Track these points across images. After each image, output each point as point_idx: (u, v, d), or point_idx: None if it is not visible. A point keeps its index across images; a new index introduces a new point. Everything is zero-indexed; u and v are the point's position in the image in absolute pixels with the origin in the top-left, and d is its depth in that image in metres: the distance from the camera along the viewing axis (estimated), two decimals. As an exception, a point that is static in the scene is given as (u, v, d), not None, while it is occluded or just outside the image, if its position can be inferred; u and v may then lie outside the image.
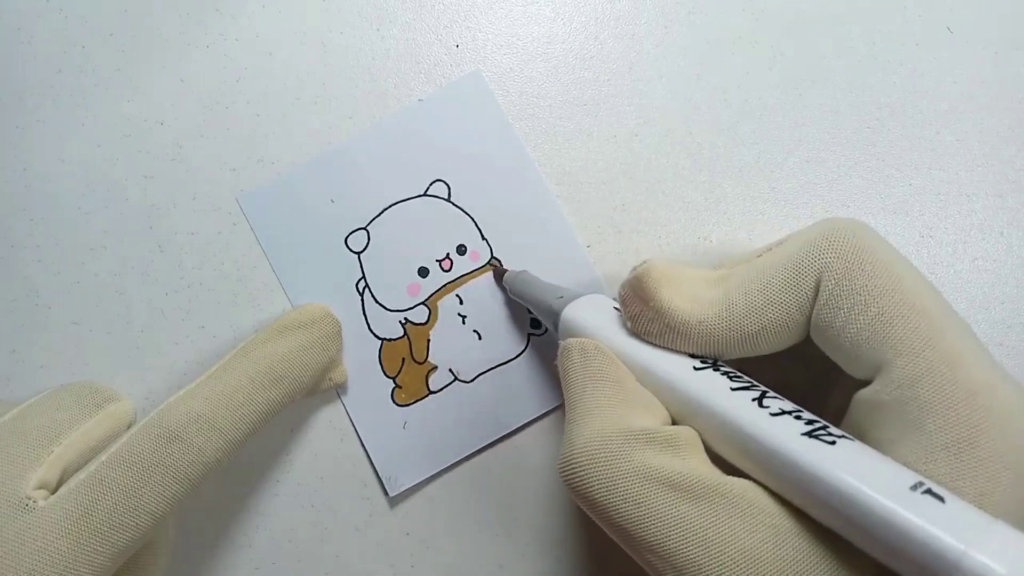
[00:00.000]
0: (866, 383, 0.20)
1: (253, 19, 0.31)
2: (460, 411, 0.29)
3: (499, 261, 0.30)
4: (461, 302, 0.30)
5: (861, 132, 0.31)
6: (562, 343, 0.23)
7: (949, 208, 0.31)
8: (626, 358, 0.22)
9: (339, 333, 0.29)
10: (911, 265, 0.21)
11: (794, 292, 0.21)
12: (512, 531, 0.29)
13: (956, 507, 0.16)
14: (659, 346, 0.22)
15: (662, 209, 0.31)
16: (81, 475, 0.22)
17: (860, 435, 0.19)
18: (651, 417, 0.20)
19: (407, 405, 0.29)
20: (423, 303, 0.30)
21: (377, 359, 0.30)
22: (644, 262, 0.23)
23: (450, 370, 0.30)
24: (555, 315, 0.25)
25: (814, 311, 0.20)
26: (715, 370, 0.21)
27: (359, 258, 0.30)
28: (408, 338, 0.30)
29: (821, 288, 0.20)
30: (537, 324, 0.30)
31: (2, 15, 0.31)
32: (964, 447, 0.17)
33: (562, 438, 0.21)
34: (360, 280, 0.30)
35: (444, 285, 0.30)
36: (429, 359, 0.30)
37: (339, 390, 0.29)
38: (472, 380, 0.30)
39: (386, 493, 0.29)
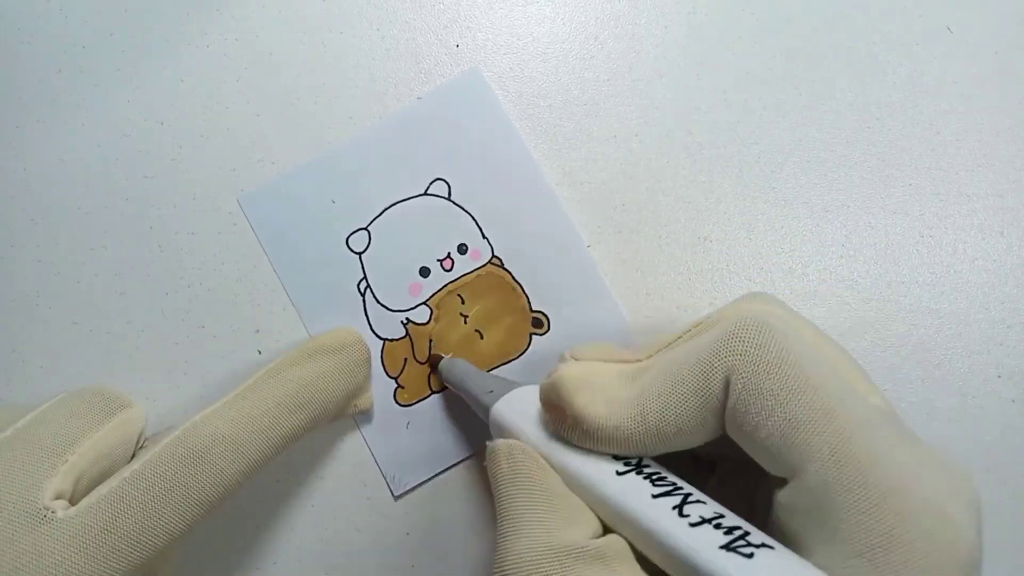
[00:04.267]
0: (784, 481, 0.19)
1: (253, 19, 0.31)
2: (463, 411, 0.29)
3: (500, 261, 0.30)
4: (463, 301, 0.30)
5: (861, 132, 0.31)
6: (489, 444, 0.23)
7: (949, 208, 0.31)
8: (552, 461, 0.22)
9: (368, 360, 0.29)
10: (824, 348, 0.21)
11: (703, 395, 0.20)
12: (513, 531, 0.29)
13: None
14: (582, 448, 0.21)
15: (662, 209, 0.31)
16: (103, 490, 0.22)
17: (784, 533, 0.19)
18: (580, 527, 0.20)
19: (410, 405, 0.29)
20: (424, 303, 0.30)
21: (379, 359, 0.30)
22: (558, 369, 0.22)
23: (451, 370, 0.30)
24: (485, 410, 0.25)
25: (725, 411, 0.20)
26: (638, 473, 0.21)
27: (360, 258, 0.30)
28: (410, 338, 0.30)
29: (730, 390, 0.20)
30: (539, 323, 0.30)
31: (2, 15, 0.31)
32: (878, 553, 0.17)
33: (493, 550, 0.20)
34: (361, 280, 0.30)
35: (445, 284, 0.30)
36: (431, 359, 0.30)
37: (357, 418, 0.30)
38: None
39: (391, 493, 0.29)
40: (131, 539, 0.22)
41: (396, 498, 0.29)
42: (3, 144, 0.31)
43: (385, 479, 0.29)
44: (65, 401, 0.25)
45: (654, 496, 0.20)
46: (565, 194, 0.31)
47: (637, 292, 0.30)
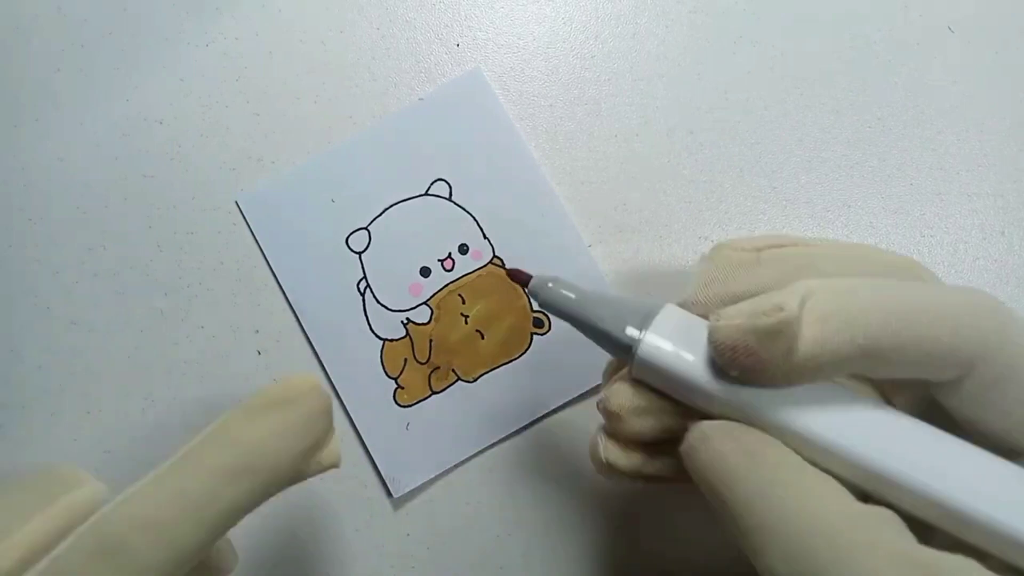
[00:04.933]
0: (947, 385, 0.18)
1: (253, 19, 0.31)
2: (463, 411, 0.29)
3: (501, 261, 0.30)
4: (463, 301, 0.30)
5: (861, 132, 0.31)
6: (696, 432, 0.18)
7: (950, 208, 0.31)
8: (774, 422, 0.18)
9: (328, 410, 0.23)
10: None
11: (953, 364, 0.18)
12: (512, 532, 0.29)
13: None
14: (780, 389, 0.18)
15: (663, 208, 0.31)
16: None
17: (967, 426, 0.18)
18: (848, 498, 0.17)
19: (409, 406, 0.29)
20: (425, 303, 0.30)
21: (379, 360, 0.30)
22: (781, 303, 0.17)
23: (453, 370, 0.30)
24: (622, 348, 0.20)
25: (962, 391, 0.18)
26: (884, 410, 0.18)
27: (360, 258, 0.30)
28: (410, 338, 0.30)
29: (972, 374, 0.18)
30: (540, 323, 0.30)
31: (2, 15, 0.31)
32: None
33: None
34: (361, 280, 0.30)
35: (446, 285, 0.30)
36: (431, 359, 0.30)
37: (331, 465, 0.24)
38: (475, 380, 0.30)
39: (389, 494, 0.29)
40: None
41: (393, 499, 0.29)
42: (2, 144, 0.31)
43: (382, 480, 0.29)
44: (13, 482, 0.22)
45: (922, 441, 0.18)
46: (565, 194, 0.31)
47: (637, 292, 0.30)
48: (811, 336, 0.17)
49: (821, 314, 0.17)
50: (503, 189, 0.30)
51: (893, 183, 0.31)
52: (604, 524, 0.29)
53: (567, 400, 0.29)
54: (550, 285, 0.22)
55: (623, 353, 0.20)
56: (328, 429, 0.23)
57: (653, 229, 0.31)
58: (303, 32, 0.31)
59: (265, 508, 0.29)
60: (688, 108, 0.31)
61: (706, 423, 0.18)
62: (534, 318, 0.30)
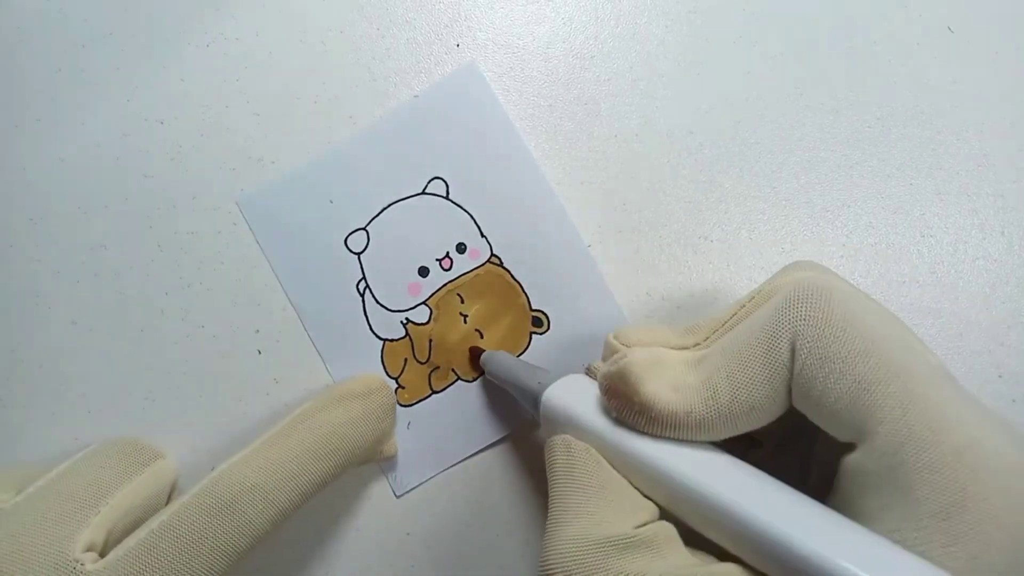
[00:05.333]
0: (850, 446, 0.19)
1: (253, 19, 0.31)
2: (463, 410, 0.29)
3: (499, 259, 0.30)
4: (462, 300, 0.30)
5: (861, 132, 0.31)
6: (549, 440, 0.23)
7: (950, 208, 0.31)
8: (611, 446, 0.22)
9: (394, 405, 0.28)
10: (884, 315, 0.21)
11: (773, 366, 0.20)
12: (513, 531, 0.29)
13: None
14: (645, 434, 0.21)
15: (663, 208, 0.31)
16: (131, 542, 0.22)
17: (850, 501, 0.19)
18: (634, 516, 0.20)
19: (410, 405, 0.29)
20: (424, 303, 0.30)
21: (379, 360, 0.30)
22: (623, 355, 0.22)
23: (453, 370, 0.30)
24: (534, 398, 0.25)
25: (792, 379, 0.20)
26: (703, 448, 0.21)
27: (359, 259, 0.30)
28: (410, 338, 0.30)
29: (796, 356, 0.20)
30: (539, 322, 0.30)
31: (2, 15, 0.31)
32: (953, 511, 0.17)
33: (541, 542, 0.20)
34: (360, 281, 0.30)
35: (445, 284, 0.30)
36: (431, 359, 0.30)
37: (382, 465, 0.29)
38: (475, 380, 0.30)
39: (389, 494, 0.29)
40: None
41: (398, 498, 0.29)
42: (2, 144, 0.31)
43: (386, 479, 0.29)
44: (97, 452, 0.26)
45: (724, 472, 0.20)
46: (565, 194, 0.31)
47: (637, 292, 0.30)
48: (653, 389, 0.21)
49: (672, 384, 0.21)
50: (500, 187, 0.30)
51: (893, 183, 0.31)
52: (604, 524, 0.29)
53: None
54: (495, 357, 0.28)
55: (534, 405, 0.25)
56: (393, 423, 0.28)
57: (653, 229, 0.31)
58: (303, 32, 0.31)
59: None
60: (688, 108, 0.31)
61: (557, 436, 0.23)
62: (533, 317, 0.30)
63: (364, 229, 0.30)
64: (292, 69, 0.31)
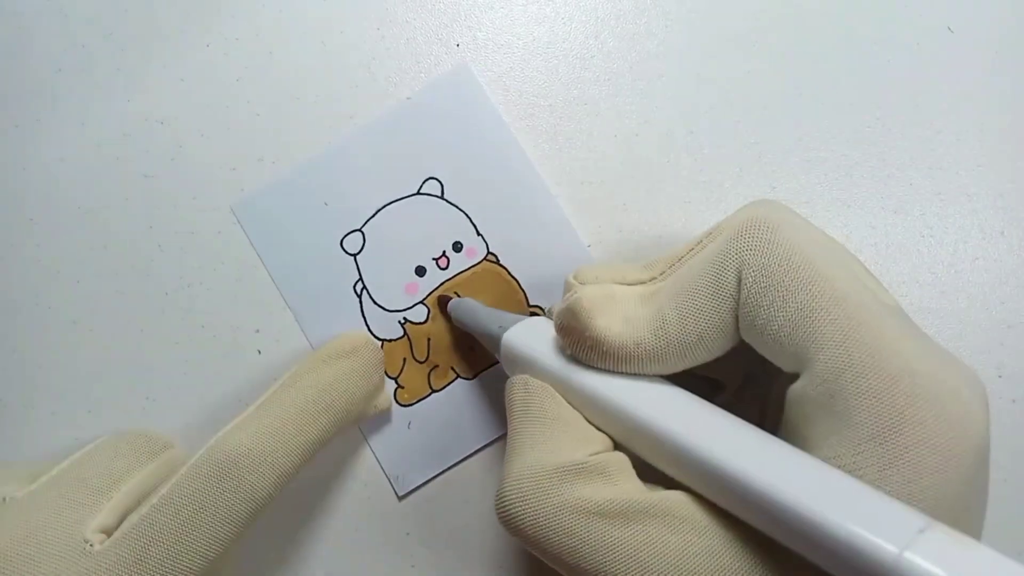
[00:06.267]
0: (794, 376, 0.20)
1: (253, 18, 0.31)
2: (463, 409, 0.29)
3: (495, 257, 0.30)
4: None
5: (861, 132, 0.31)
6: (509, 381, 0.23)
7: (949, 208, 0.31)
8: (567, 384, 0.22)
9: (382, 360, 0.29)
10: (832, 246, 0.21)
11: (720, 295, 0.20)
12: (513, 531, 0.29)
13: (894, 508, 0.16)
14: (600, 369, 0.22)
15: (663, 209, 0.31)
16: (133, 518, 0.22)
17: (794, 430, 0.19)
18: (588, 447, 0.20)
19: (410, 405, 0.29)
20: (421, 302, 0.30)
21: (378, 359, 0.30)
22: (574, 292, 0.22)
23: (452, 368, 0.30)
24: (496, 341, 0.25)
25: (739, 308, 0.20)
26: (655, 382, 0.21)
27: (355, 260, 0.30)
28: (408, 338, 0.30)
29: (742, 286, 0.20)
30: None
31: (2, 15, 0.31)
32: (889, 435, 0.17)
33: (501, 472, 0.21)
34: (357, 282, 0.30)
35: (442, 283, 0.30)
36: (430, 358, 0.30)
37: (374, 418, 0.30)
38: (474, 378, 0.30)
39: (389, 494, 0.29)
40: (166, 564, 0.22)
41: (400, 498, 0.29)
42: (2, 143, 0.31)
43: (389, 479, 0.29)
44: (109, 443, 0.26)
45: (673, 406, 0.20)
46: (565, 194, 0.31)
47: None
48: (603, 324, 0.21)
49: (622, 318, 0.21)
50: (494, 185, 0.30)
51: (893, 183, 0.31)
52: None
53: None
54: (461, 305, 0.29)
55: (496, 348, 0.25)
56: (382, 377, 0.29)
57: (653, 229, 0.31)
58: (303, 32, 0.31)
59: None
60: (688, 108, 0.31)
61: (516, 375, 0.23)
62: (531, 313, 0.30)
63: (360, 230, 0.30)
64: (292, 69, 0.31)
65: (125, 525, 0.22)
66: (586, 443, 0.21)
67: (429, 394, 0.29)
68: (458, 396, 0.29)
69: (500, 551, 0.29)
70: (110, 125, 0.31)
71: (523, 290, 0.30)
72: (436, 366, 0.30)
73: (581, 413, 0.22)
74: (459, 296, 0.30)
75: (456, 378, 0.30)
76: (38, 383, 0.29)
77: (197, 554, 0.22)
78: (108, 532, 0.23)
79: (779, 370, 0.21)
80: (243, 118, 0.31)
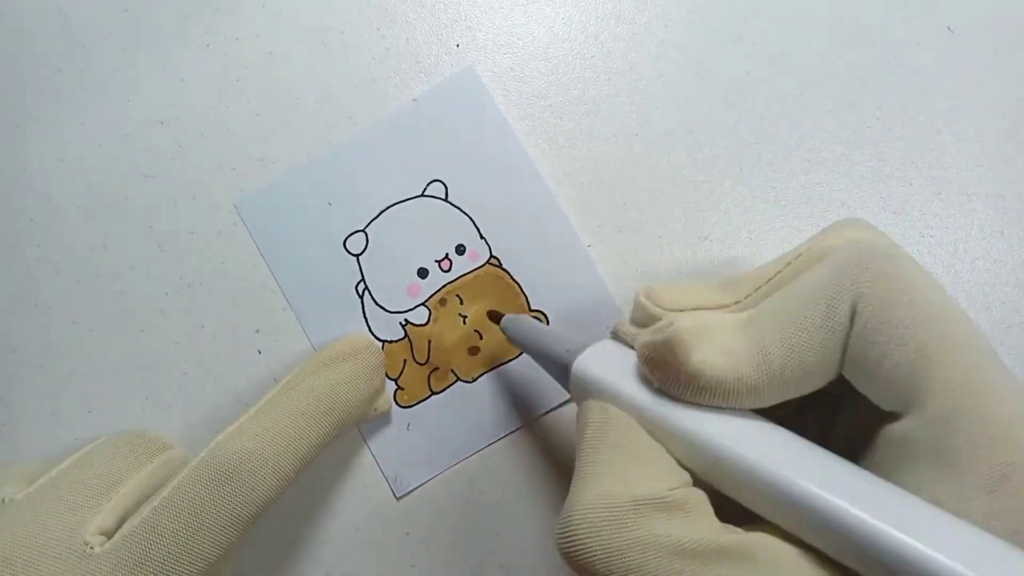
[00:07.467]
0: (893, 415, 0.19)
1: (253, 19, 0.31)
2: (463, 411, 0.29)
3: (498, 260, 0.30)
4: (461, 302, 0.30)
5: (861, 132, 0.31)
6: (585, 403, 0.22)
7: (949, 208, 0.31)
8: (651, 414, 0.21)
9: (383, 363, 0.29)
10: (939, 286, 0.20)
11: (831, 330, 0.19)
12: (513, 531, 0.29)
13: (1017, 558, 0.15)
14: (688, 402, 0.20)
15: (663, 209, 0.31)
16: (135, 520, 0.22)
17: (889, 470, 0.19)
18: (666, 482, 0.19)
19: (410, 406, 0.29)
20: (423, 304, 0.30)
21: (379, 360, 0.30)
22: (670, 324, 0.20)
23: (452, 370, 0.30)
24: (563, 368, 0.24)
25: (848, 344, 0.19)
26: (748, 417, 0.20)
27: (358, 260, 0.30)
28: (409, 339, 0.30)
29: (856, 319, 0.19)
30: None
31: (2, 15, 0.31)
32: (998, 484, 0.17)
33: (565, 499, 0.19)
34: (359, 283, 0.30)
35: (444, 285, 0.30)
36: (431, 360, 0.30)
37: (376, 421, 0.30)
38: (474, 380, 0.30)
39: (389, 494, 0.29)
40: (167, 567, 0.22)
41: (398, 498, 0.29)
42: (3, 143, 0.31)
43: (387, 480, 0.29)
44: (108, 443, 0.26)
45: (772, 443, 0.19)
46: (565, 194, 0.31)
47: (636, 291, 0.30)
48: (702, 358, 0.19)
49: (720, 350, 0.20)
50: (499, 189, 0.30)
51: (893, 183, 0.31)
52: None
53: (566, 399, 0.29)
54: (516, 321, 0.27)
55: (562, 373, 0.24)
56: (383, 380, 0.29)
57: (653, 229, 0.31)
58: (303, 32, 0.31)
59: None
60: (688, 108, 0.31)
61: (591, 400, 0.22)
62: (532, 318, 0.30)
63: (363, 231, 0.30)
64: (292, 69, 0.31)
65: (126, 527, 0.22)
66: (666, 476, 0.19)
67: (429, 396, 0.29)
68: (458, 398, 0.29)
69: (501, 551, 0.29)
70: (110, 125, 0.31)
71: (525, 294, 0.30)
72: (436, 368, 0.30)
73: (663, 445, 0.20)
74: (460, 298, 0.30)
75: (456, 381, 0.30)
76: (38, 383, 0.29)
77: (198, 557, 0.22)
78: (108, 534, 0.22)
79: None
80: (243, 118, 0.31)
